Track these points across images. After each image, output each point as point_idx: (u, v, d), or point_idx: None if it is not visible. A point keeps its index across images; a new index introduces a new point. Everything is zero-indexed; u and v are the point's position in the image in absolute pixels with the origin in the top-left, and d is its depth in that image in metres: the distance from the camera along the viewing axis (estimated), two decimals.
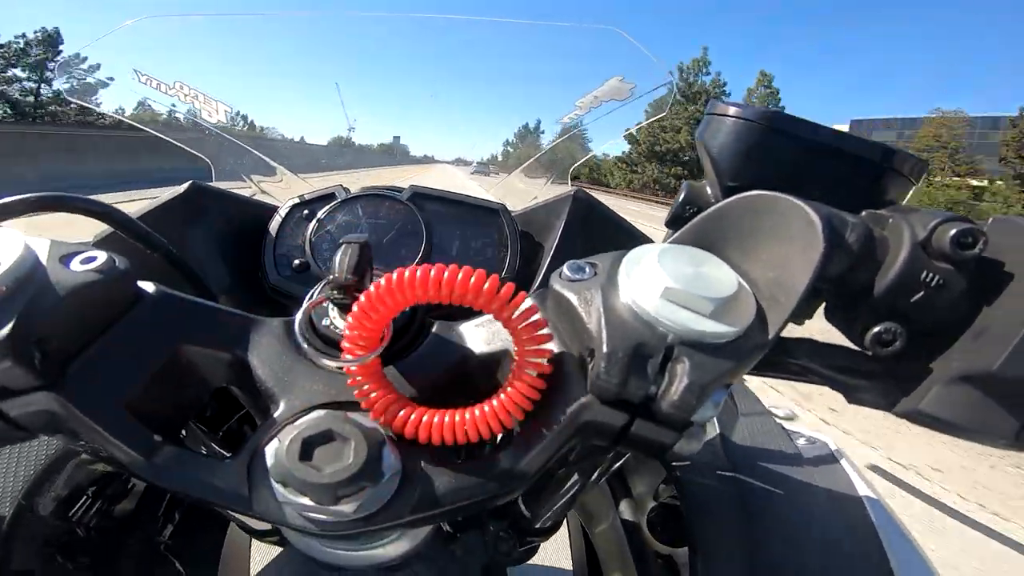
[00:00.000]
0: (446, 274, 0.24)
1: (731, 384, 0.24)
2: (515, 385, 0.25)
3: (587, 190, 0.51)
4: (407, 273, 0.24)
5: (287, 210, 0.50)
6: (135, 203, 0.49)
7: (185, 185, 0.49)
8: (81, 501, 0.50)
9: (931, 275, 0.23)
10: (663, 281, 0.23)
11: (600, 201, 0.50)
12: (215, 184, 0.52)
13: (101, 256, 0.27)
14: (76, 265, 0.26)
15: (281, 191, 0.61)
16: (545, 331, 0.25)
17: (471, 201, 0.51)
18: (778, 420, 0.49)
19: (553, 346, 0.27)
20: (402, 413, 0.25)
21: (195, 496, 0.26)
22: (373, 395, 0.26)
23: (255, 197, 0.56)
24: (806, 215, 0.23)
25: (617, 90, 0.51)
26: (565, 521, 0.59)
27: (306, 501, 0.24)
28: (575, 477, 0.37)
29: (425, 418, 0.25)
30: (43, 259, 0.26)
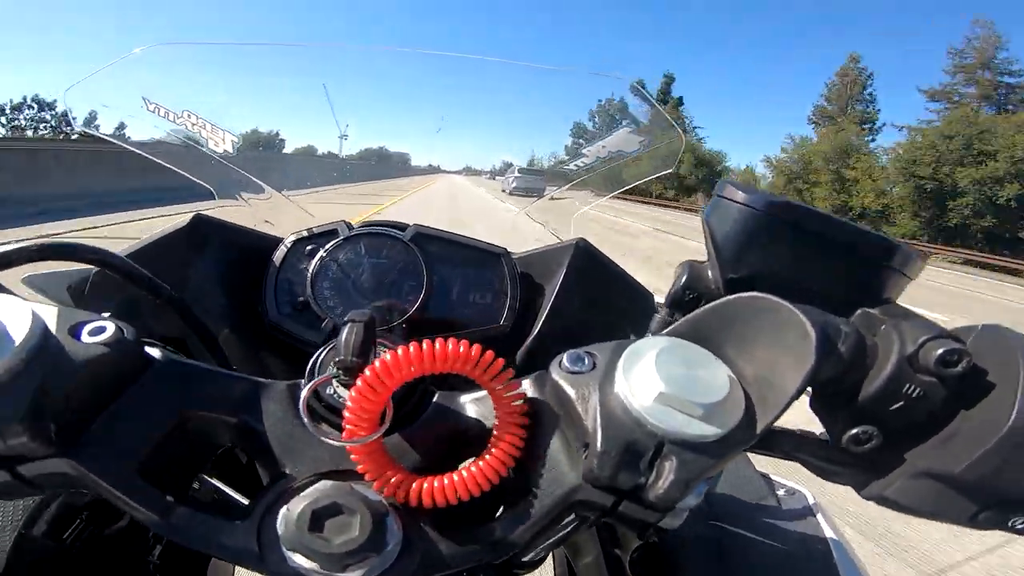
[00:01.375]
0: (438, 347, 0.26)
1: (714, 476, 0.26)
2: (494, 450, 0.27)
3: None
4: (409, 350, 0.25)
5: (290, 244, 0.50)
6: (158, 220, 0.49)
7: (188, 217, 0.48)
8: (75, 524, 0.50)
9: (914, 388, 0.24)
10: (658, 386, 0.24)
11: (602, 252, 0.51)
12: (217, 214, 0.52)
13: (110, 327, 0.27)
14: (86, 337, 0.27)
15: (284, 215, 0.61)
16: (526, 407, 0.28)
17: (473, 244, 0.51)
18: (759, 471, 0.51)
19: (548, 427, 0.28)
20: (401, 487, 0.27)
21: (207, 552, 0.27)
22: (374, 471, 0.27)
23: (257, 227, 0.56)
24: (803, 325, 0.24)
25: (626, 141, 0.52)
26: (551, 555, 0.61)
27: (315, 566, 0.25)
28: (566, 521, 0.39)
29: (420, 485, 0.27)
30: (52, 329, 0.26)
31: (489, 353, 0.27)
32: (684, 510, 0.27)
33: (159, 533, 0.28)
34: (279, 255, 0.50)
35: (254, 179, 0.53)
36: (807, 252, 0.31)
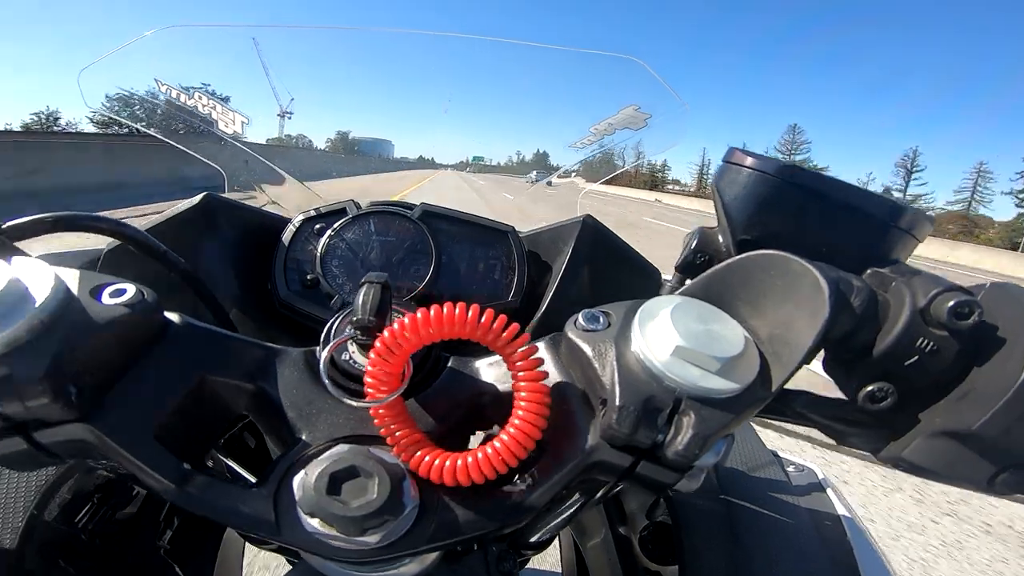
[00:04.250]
0: (458, 311, 0.25)
1: (732, 433, 0.26)
2: (515, 426, 0.26)
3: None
4: (429, 312, 0.25)
5: (299, 223, 0.51)
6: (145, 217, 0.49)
7: (199, 197, 0.49)
8: (86, 508, 0.50)
9: (927, 341, 0.25)
10: (674, 340, 0.24)
11: (608, 228, 0.51)
12: (228, 195, 0.52)
13: (130, 289, 0.27)
14: (107, 299, 0.27)
15: (290, 200, 0.61)
16: (541, 369, 0.27)
17: (481, 222, 0.52)
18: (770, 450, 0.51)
19: (564, 388, 0.28)
20: (420, 454, 0.27)
21: (223, 522, 0.27)
22: (397, 433, 0.27)
23: (266, 208, 0.56)
24: (815, 280, 0.24)
25: (632, 119, 0.52)
26: (558, 536, 0.61)
27: (332, 531, 0.25)
28: (576, 496, 0.39)
29: (442, 462, 0.26)
30: (74, 291, 0.26)
31: (503, 318, 0.26)
32: (700, 472, 0.27)
33: (174, 502, 0.27)
34: (288, 234, 0.50)
35: (262, 159, 0.54)
36: (816, 214, 0.31)
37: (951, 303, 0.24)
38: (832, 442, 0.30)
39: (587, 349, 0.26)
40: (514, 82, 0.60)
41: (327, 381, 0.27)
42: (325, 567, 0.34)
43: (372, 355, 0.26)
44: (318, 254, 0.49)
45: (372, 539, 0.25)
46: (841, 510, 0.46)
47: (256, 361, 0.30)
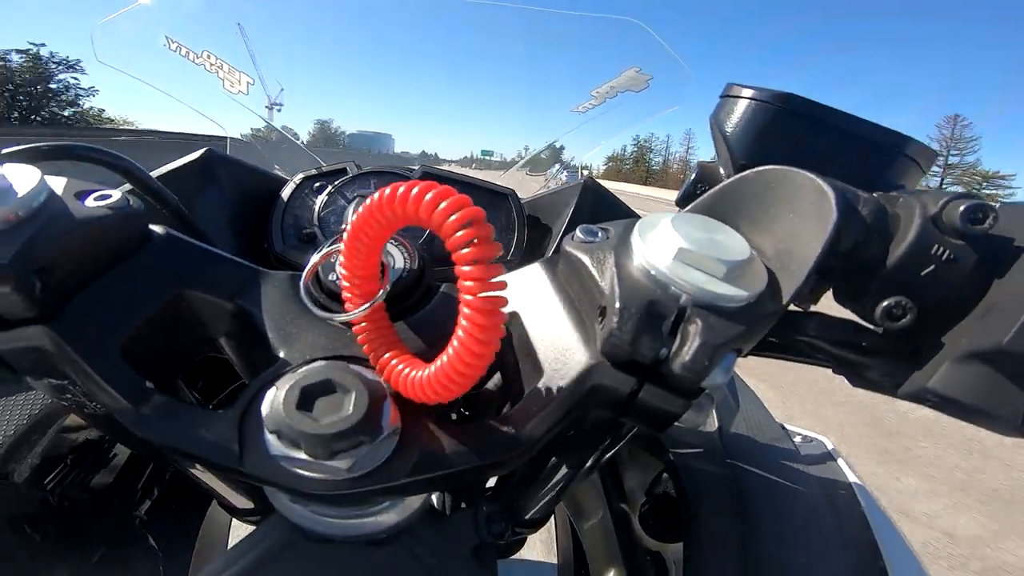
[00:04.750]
0: (416, 191, 0.21)
1: (743, 351, 0.24)
2: (462, 332, 0.22)
3: None
4: (387, 191, 0.22)
5: (299, 181, 0.50)
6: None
7: (200, 151, 0.49)
8: (58, 469, 0.48)
9: (942, 249, 0.23)
10: (677, 243, 0.23)
11: (609, 191, 0.51)
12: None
13: (116, 194, 0.27)
14: (90, 201, 0.26)
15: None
16: (487, 245, 0.21)
17: (481, 184, 0.51)
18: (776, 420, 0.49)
19: (561, 308, 0.27)
20: (396, 363, 0.25)
21: (181, 449, 0.25)
22: (374, 344, 0.25)
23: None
24: (819, 187, 0.23)
25: (634, 81, 0.52)
26: (552, 516, 0.58)
27: (300, 455, 0.23)
28: (566, 470, 0.37)
29: (417, 373, 0.24)
30: (58, 192, 0.26)
31: (458, 199, 0.21)
32: (709, 401, 0.25)
33: (128, 425, 0.24)
34: (288, 190, 0.50)
35: (267, 121, 0.54)
36: (818, 141, 0.31)
37: (964, 207, 0.23)
38: None
39: (585, 259, 0.25)
40: (515, 51, 0.61)
41: (305, 294, 0.26)
42: (295, 515, 0.31)
43: (342, 257, 0.24)
44: (316, 209, 0.49)
45: (343, 465, 0.23)
46: (853, 479, 0.43)
47: (239, 280, 0.29)
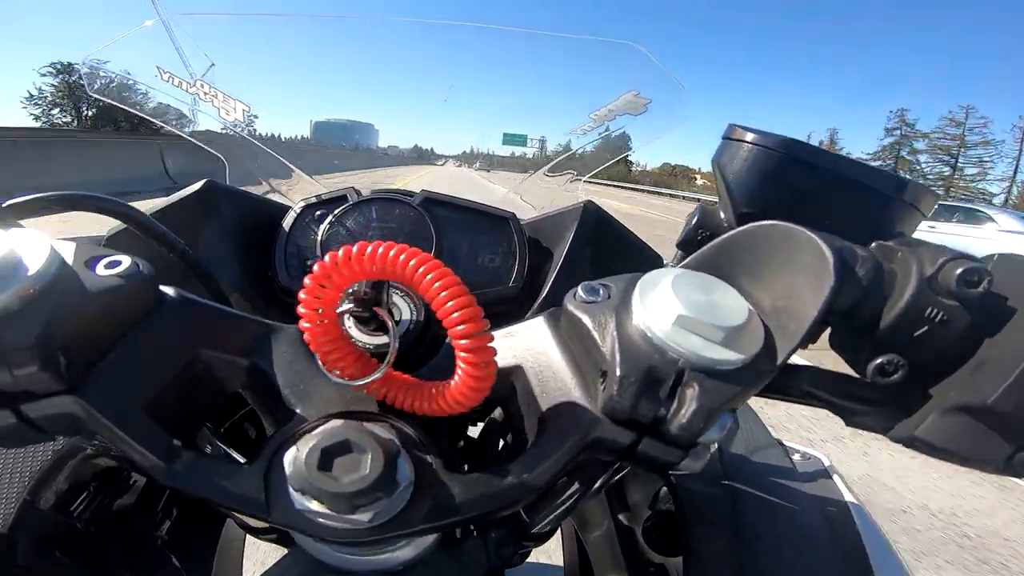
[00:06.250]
0: (381, 251, 0.25)
1: (737, 408, 0.25)
2: (460, 372, 0.25)
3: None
4: (364, 249, 0.25)
5: (300, 209, 0.51)
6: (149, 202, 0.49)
7: (200, 183, 0.49)
8: (83, 496, 0.50)
9: (936, 311, 0.24)
10: (676, 308, 0.24)
11: (610, 214, 0.51)
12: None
13: (125, 261, 0.27)
14: (101, 270, 0.26)
15: (294, 192, 0.61)
16: (467, 303, 0.23)
17: (482, 208, 0.52)
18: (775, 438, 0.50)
19: (564, 364, 0.28)
20: (408, 394, 0.27)
21: (215, 502, 0.26)
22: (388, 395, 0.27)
23: (268, 196, 0.56)
24: (819, 248, 0.24)
25: (632, 104, 0.52)
26: (559, 528, 0.60)
27: (323, 509, 0.24)
28: (576, 486, 0.38)
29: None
30: (69, 261, 0.26)
31: (426, 258, 0.24)
32: (705, 450, 0.26)
33: (161, 480, 0.26)
34: (289, 220, 0.50)
35: (277, 156, 0.53)
36: (818, 188, 0.31)
37: (960, 270, 0.23)
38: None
39: (586, 320, 0.26)
40: (514, 73, 0.60)
41: (319, 358, 0.27)
42: (319, 552, 0.33)
43: (307, 281, 0.25)
44: (319, 240, 0.49)
45: (364, 517, 0.24)
46: (849, 497, 0.45)
47: (251, 337, 0.30)
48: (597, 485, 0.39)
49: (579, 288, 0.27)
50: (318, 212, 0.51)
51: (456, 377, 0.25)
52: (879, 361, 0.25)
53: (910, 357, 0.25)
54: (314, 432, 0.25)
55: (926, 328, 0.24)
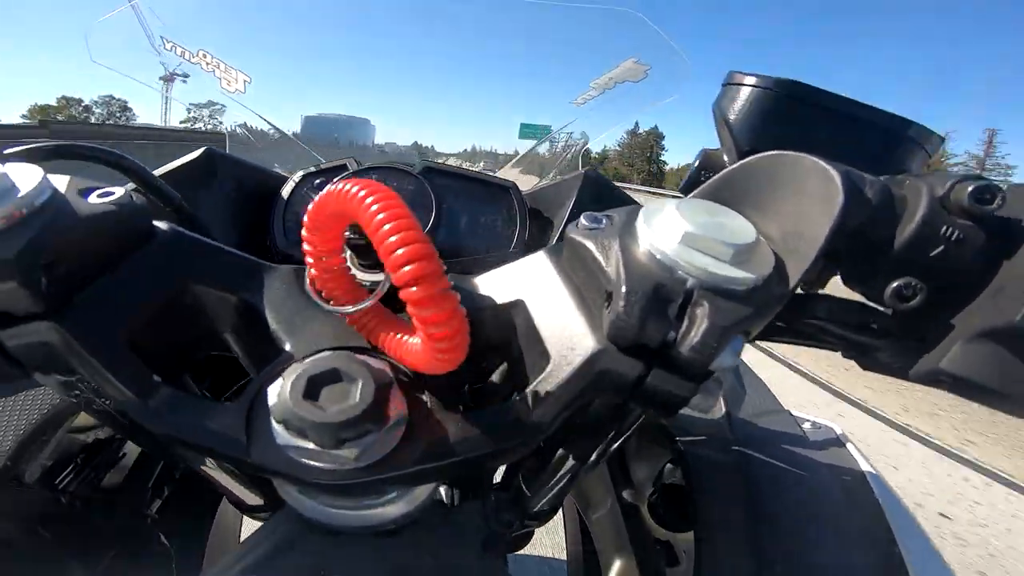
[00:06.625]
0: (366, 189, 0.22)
1: (751, 334, 0.24)
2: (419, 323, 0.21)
3: None
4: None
5: (299, 178, 0.50)
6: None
7: (200, 150, 0.49)
8: (68, 469, 0.49)
9: (950, 229, 0.23)
10: (683, 227, 0.23)
11: (611, 181, 0.50)
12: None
13: (119, 191, 0.27)
14: (94, 198, 0.26)
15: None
16: (415, 238, 0.20)
17: (482, 178, 0.51)
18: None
19: (566, 295, 0.27)
20: (397, 336, 0.25)
21: (189, 440, 0.25)
22: (378, 327, 0.26)
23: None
24: (825, 171, 0.23)
25: (632, 71, 0.52)
26: (561, 510, 0.58)
27: (307, 444, 0.23)
28: (573, 460, 0.37)
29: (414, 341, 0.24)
30: (61, 189, 0.26)
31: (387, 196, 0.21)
32: (718, 387, 0.25)
33: (136, 418, 0.25)
34: (288, 188, 0.50)
35: (277, 127, 0.54)
36: (822, 127, 0.30)
37: (972, 187, 0.23)
38: None
39: (590, 245, 0.25)
40: (511, 45, 0.60)
41: (311, 290, 0.26)
42: (304, 507, 0.32)
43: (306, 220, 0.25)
44: None
45: (350, 454, 0.23)
46: (865, 466, 0.43)
47: (244, 273, 0.29)
48: (597, 454, 0.38)
49: (581, 218, 0.26)
50: (317, 180, 0.50)
51: (418, 339, 0.23)
52: (896, 284, 0.24)
53: (928, 281, 0.24)
54: (303, 363, 0.24)
55: (942, 248, 0.23)
